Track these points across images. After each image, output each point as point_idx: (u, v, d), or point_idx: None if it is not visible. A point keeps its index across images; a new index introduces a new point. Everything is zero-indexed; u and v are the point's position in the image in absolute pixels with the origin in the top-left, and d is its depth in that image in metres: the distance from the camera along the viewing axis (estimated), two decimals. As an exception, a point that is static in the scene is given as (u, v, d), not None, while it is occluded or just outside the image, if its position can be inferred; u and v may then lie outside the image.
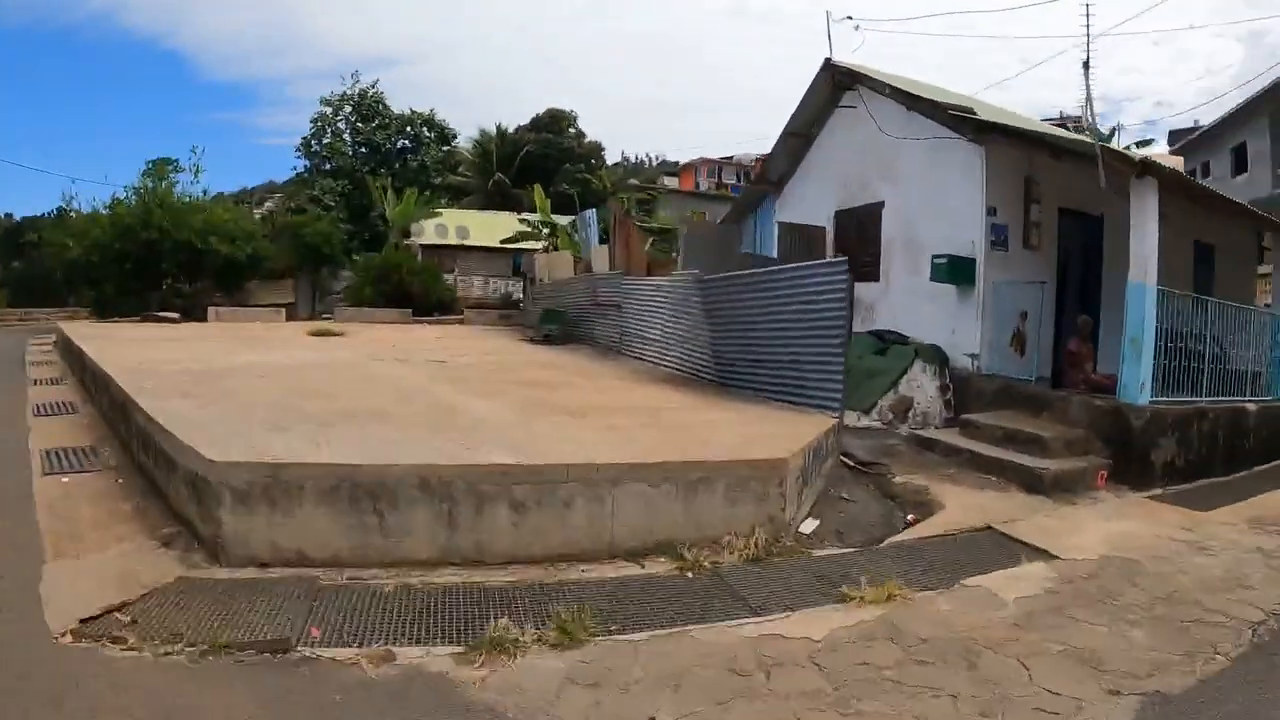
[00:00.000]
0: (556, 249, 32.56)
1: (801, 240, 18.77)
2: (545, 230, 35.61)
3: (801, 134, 21.13)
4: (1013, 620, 6.80)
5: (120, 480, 9.60)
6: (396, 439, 8.45)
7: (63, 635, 5.82)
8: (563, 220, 35.43)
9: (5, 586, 6.56)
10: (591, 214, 29.36)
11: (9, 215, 75.39)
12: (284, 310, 37.72)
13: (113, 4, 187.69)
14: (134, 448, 10.19)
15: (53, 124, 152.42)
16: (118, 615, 6.11)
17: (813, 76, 19.99)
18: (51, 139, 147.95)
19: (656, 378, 16.00)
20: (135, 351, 16.87)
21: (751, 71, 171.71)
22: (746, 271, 14.94)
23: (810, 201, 20.71)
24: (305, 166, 57.82)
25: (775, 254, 19.47)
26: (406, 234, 45.47)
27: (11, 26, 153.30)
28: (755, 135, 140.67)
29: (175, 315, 34.74)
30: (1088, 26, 24.61)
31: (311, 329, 25.41)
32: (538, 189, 36.85)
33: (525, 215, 39.42)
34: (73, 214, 44.09)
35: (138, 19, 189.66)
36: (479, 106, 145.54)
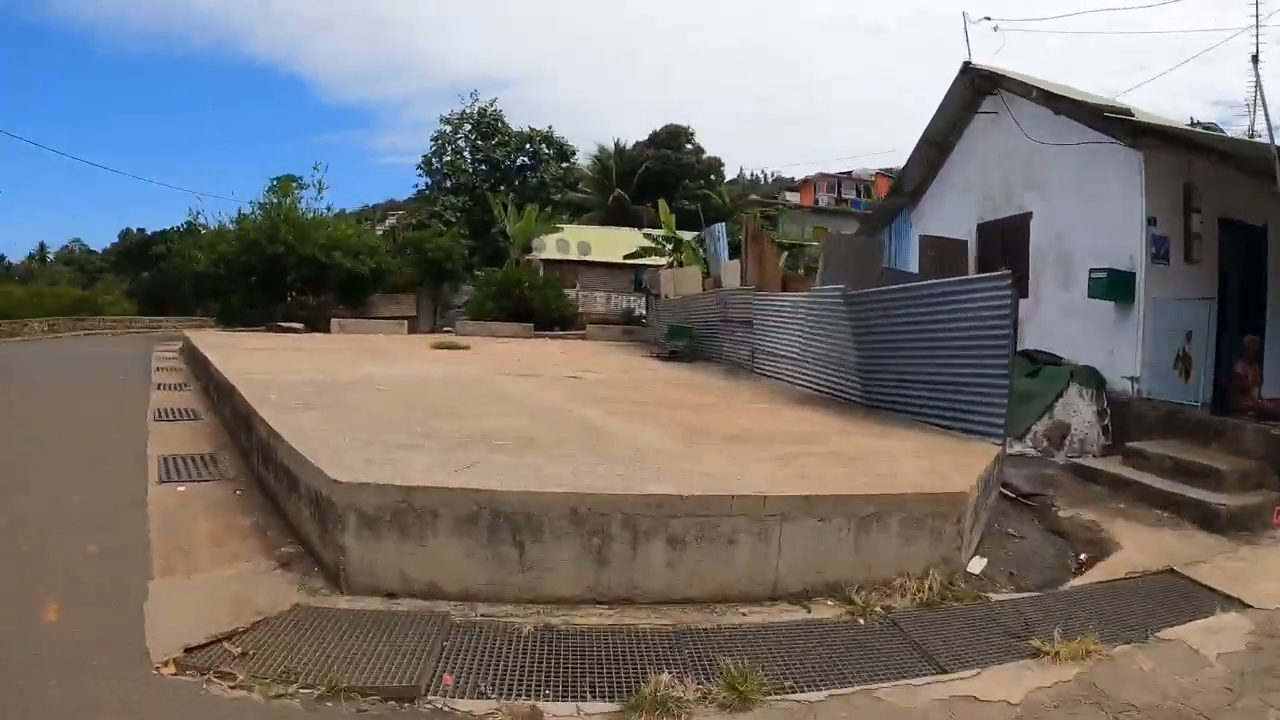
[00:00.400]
0: (681, 264, 31.79)
1: (942, 254, 17.57)
2: (669, 246, 34.87)
3: (938, 142, 19.77)
4: (1224, 683, 5.86)
5: (238, 492, 9.10)
6: (536, 462, 7.58)
7: (164, 665, 5.18)
8: (686, 235, 34.63)
9: (107, 604, 6.01)
10: (720, 228, 28.59)
11: (140, 229, 79.47)
12: (406, 323, 37.76)
13: (236, 32, 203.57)
14: (254, 460, 9.74)
15: (181, 144, 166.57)
16: (226, 645, 5.44)
17: (950, 81, 18.64)
18: (180, 158, 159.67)
19: (794, 398, 15.01)
20: (259, 361, 16.75)
21: (858, 84, 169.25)
22: (899, 286, 13.84)
23: (949, 213, 19.39)
24: (427, 183, 58.57)
25: (914, 269, 18.25)
26: (528, 249, 45.43)
27: (138, 54, 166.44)
28: (871, 149, 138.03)
29: (299, 326, 34.96)
30: (1256, 15, 22.54)
31: (435, 342, 25.10)
32: (662, 204, 36.26)
33: (649, 230, 38.76)
34: (201, 228, 44.73)
35: (260, 46, 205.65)
36: (593, 124, 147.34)
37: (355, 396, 11.58)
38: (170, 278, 58.12)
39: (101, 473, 10.07)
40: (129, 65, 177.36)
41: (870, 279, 15.61)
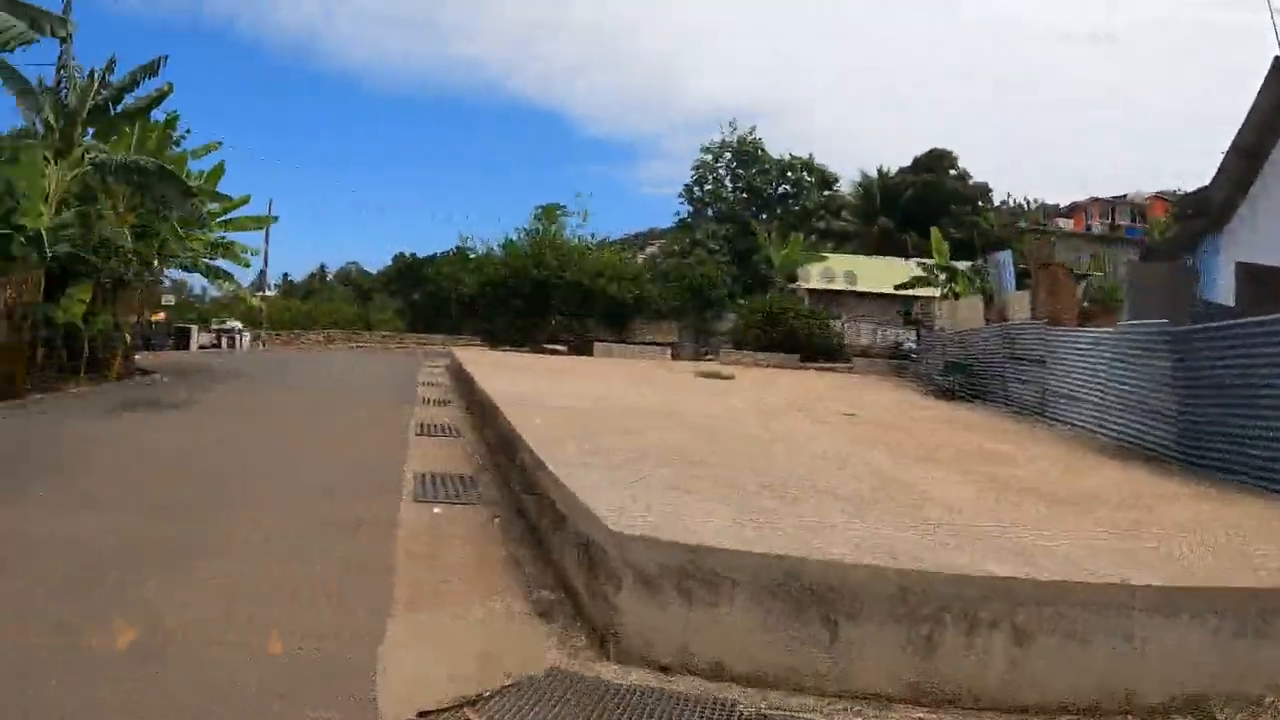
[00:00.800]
0: (956, 295, 29.68)
1: (1272, 284, 14.88)
2: (942, 275, 32.74)
3: (1249, 152, 17.00)
4: None
5: (496, 520, 8.29)
6: (838, 521, 6.23)
7: (396, 733, 4.23)
8: (961, 265, 32.48)
9: (339, 639, 5.20)
10: (1006, 256, 26.30)
11: (412, 254, 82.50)
12: (669, 349, 37.21)
13: (500, 72, 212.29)
14: (515, 485, 8.97)
15: (448, 175, 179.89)
16: (468, 714, 4.40)
17: (1262, 81, 15.95)
18: (448, 188, 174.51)
19: (1095, 448, 12.96)
20: (524, 382, 16.46)
21: (1112, 100, 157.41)
22: (1248, 320, 11.61)
23: (1273, 236, 16.58)
24: (688, 212, 58.07)
25: (1223, 300, 15.64)
26: (792, 278, 44.24)
27: (404, 95, 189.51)
28: (1140, 169, 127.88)
29: (563, 348, 35.18)
30: None
31: (700, 370, 24.20)
32: (935, 232, 34.11)
33: (921, 260, 36.72)
34: (469, 253, 46.08)
35: (521, 85, 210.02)
36: (851, 150, 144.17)
37: (625, 425, 10.66)
38: (438, 298, 59.46)
39: (356, 484, 9.70)
40: (397, 105, 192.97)
41: (1181, 313, 13.34)
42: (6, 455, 10.87)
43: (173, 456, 11.19)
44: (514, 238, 44.59)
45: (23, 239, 16.32)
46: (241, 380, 23.30)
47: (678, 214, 61.00)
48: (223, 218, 24.97)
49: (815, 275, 46.16)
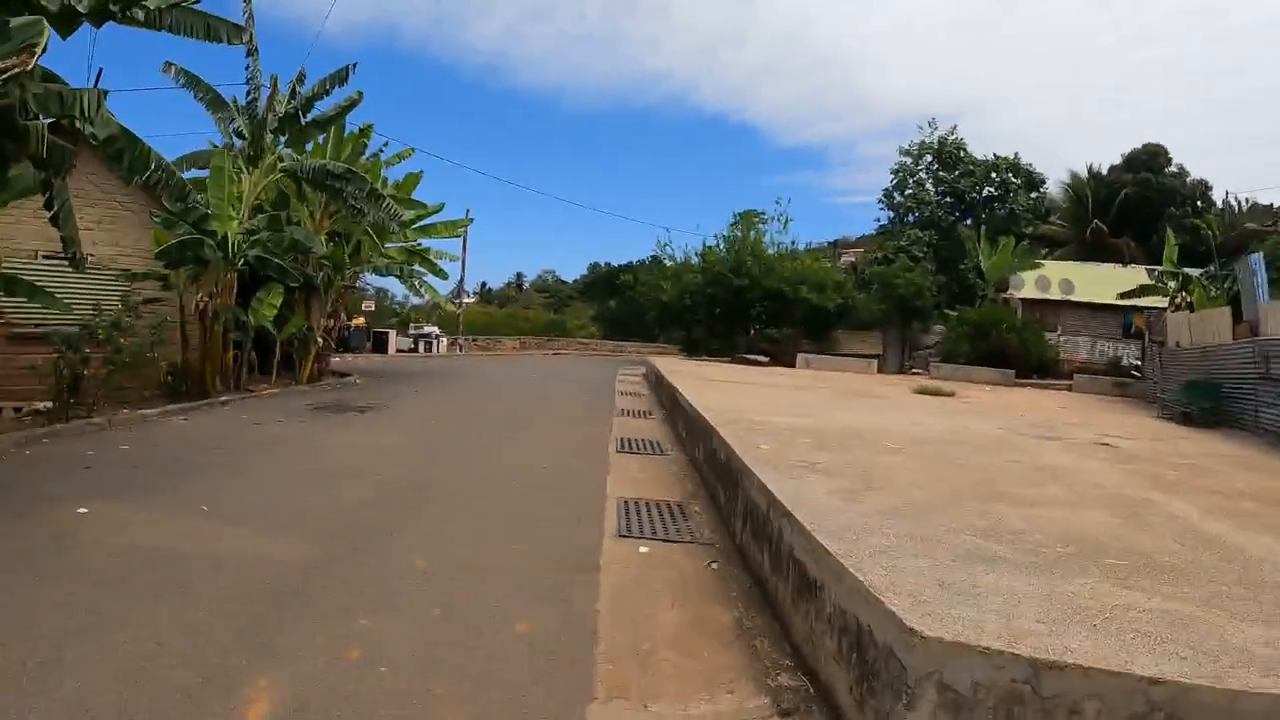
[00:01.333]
0: (1190, 306, 26.40)
1: None
2: (1172, 283, 29.35)
3: None
4: None
5: (713, 566, 6.82)
6: (1193, 613, 4.09)
7: None
8: (1194, 271, 29.10)
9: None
10: (1258, 260, 23.02)
11: (607, 263, 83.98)
12: (874, 362, 35.10)
13: (683, 86, 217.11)
14: (736, 522, 7.47)
15: (641, 187, 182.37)
16: None
17: None
18: (640, 199, 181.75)
19: None
20: (731, 396, 15.09)
21: None
22: None
23: None
24: (889, 218, 55.32)
25: None
26: (1003, 287, 41.19)
27: (599, 110, 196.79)
28: None
29: (764, 359, 33.64)
30: None
31: (917, 386, 22.20)
32: (1170, 235, 30.69)
33: (1148, 266, 33.37)
34: (667, 260, 45.03)
35: (707, 97, 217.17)
36: (1053, 148, 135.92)
37: (865, 457, 8.78)
38: (634, 306, 59.91)
39: (550, 511, 8.44)
40: (592, 119, 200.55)
41: None
42: (174, 459, 10.31)
43: (354, 465, 10.30)
44: (713, 244, 43.35)
45: (212, 244, 16.03)
46: (434, 385, 22.86)
47: (877, 220, 58.13)
48: (418, 224, 24.49)
49: (1030, 284, 43.00)
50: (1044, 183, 55.94)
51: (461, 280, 52.13)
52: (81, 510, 7.52)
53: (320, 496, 8.51)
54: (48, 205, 11.08)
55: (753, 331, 41.66)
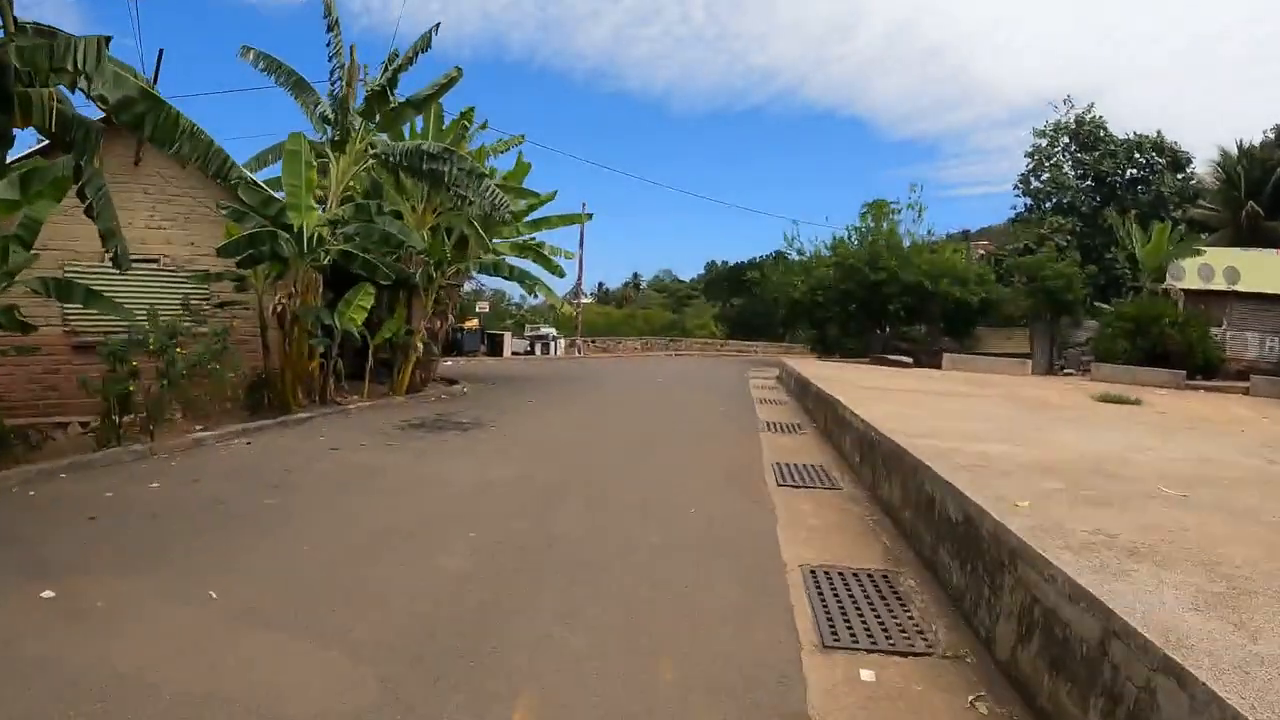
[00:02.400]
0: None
1: None
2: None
3: None
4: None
5: (978, 700, 4.07)
6: None
7: None
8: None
9: None
10: None
11: (724, 261, 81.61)
12: (1028, 362, 31.60)
13: (794, 83, 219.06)
14: (1001, 626, 4.63)
15: (756, 185, 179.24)
16: None
17: None
18: (755, 197, 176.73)
19: None
20: (904, 409, 12.30)
21: None
22: None
23: None
24: (1024, 205, 51.08)
25: None
26: (1159, 277, 37.01)
27: (705, 111, 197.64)
28: None
29: (907, 359, 30.27)
30: None
31: (1098, 394, 18.79)
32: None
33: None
34: (795, 254, 42.04)
35: (816, 93, 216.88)
36: (1191, 125, 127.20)
37: (1159, 516, 5.54)
38: (760, 304, 57.96)
39: (713, 595, 5.78)
40: (701, 120, 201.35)
41: None
42: (208, 503, 7.93)
43: (445, 514, 7.90)
44: (844, 236, 40.18)
45: (288, 237, 13.76)
46: (551, 394, 20.37)
47: (1013, 207, 53.93)
48: (530, 216, 22.09)
49: (1191, 273, 38.59)
50: (1190, 162, 50.80)
51: (579, 279, 49.78)
52: (47, 594, 5.30)
53: (389, 572, 6.06)
54: (80, 195, 9.11)
55: (888, 329, 38.53)
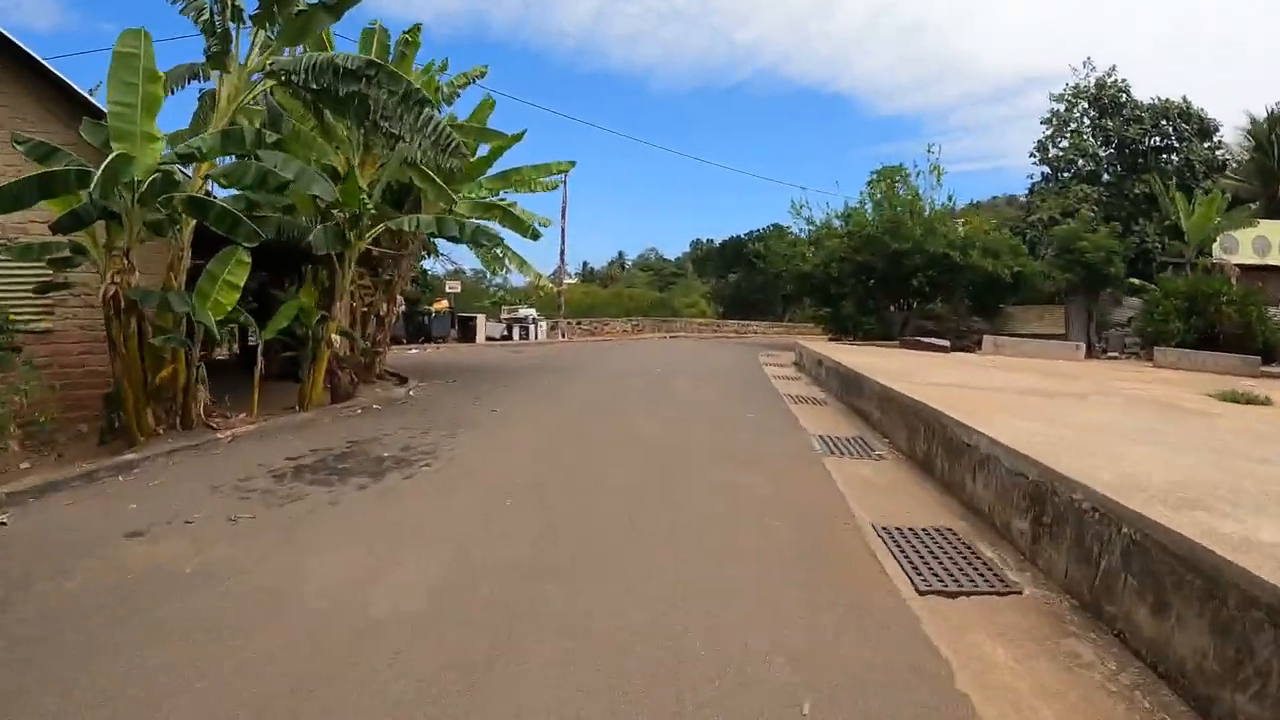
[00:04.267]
0: None
1: None
2: None
3: None
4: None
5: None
6: None
7: None
8: None
9: None
10: None
11: (709, 240, 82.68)
12: (1081, 346, 27.17)
13: (778, 60, 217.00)
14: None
15: (740, 162, 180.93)
16: None
17: None
18: (737, 176, 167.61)
19: None
20: (1044, 427, 8.15)
21: None
22: None
23: None
24: (1041, 174, 46.30)
25: None
26: (1204, 250, 32.44)
27: (688, 89, 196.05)
28: None
29: (942, 342, 25.53)
30: None
31: (1209, 389, 14.13)
32: None
33: None
34: (803, 225, 37.02)
35: (799, 69, 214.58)
36: (1205, 95, 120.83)
37: None
38: (757, 281, 54.07)
39: None
40: (684, 98, 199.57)
41: None
42: None
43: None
44: (859, 203, 35.18)
45: (119, 188, 8.89)
46: (524, 393, 15.55)
47: (1030, 177, 49.18)
48: (497, 166, 17.18)
49: (1246, 246, 34.00)
50: (1217, 130, 46.07)
51: (562, 252, 44.19)
52: None
53: None
54: None
55: (909, 306, 33.84)
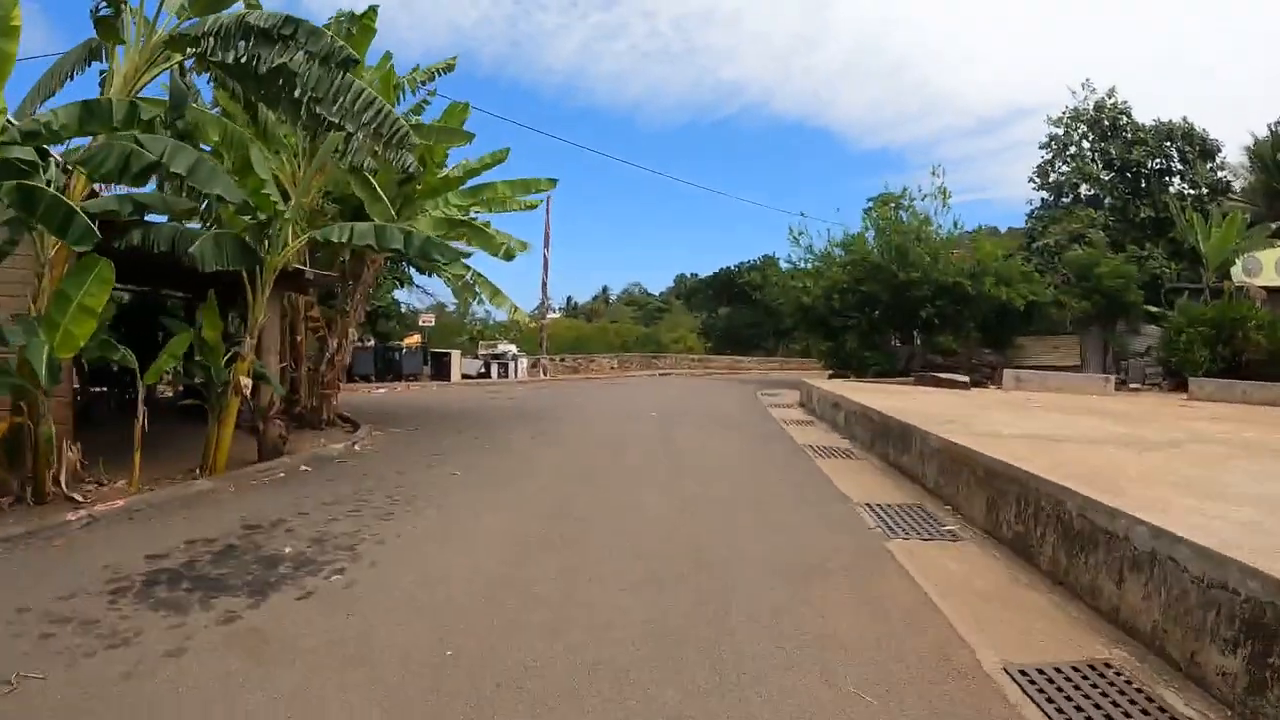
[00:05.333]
0: None
1: None
2: None
3: None
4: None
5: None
6: None
7: None
8: None
9: None
10: None
11: (693, 274, 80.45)
12: (1110, 379, 24.41)
13: (762, 96, 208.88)
14: None
15: (724, 198, 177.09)
16: None
17: None
18: (724, 211, 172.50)
19: None
20: (1136, 475, 6.82)
21: None
22: None
23: None
24: (1040, 200, 44.24)
25: None
26: (1224, 273, 30.39)
27: (674, 124, 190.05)
28: None
29: (962, 378, 22.99)
30: None
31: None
32: None
33: None
34: (804, 252, 34.39)
35: (785, 105, 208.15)
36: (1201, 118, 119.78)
37: None
38: (750, 314, 52.15)
39: None
40: (670, 134, 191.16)
41: None
42: None
43: None
44: (861, 229, 32.70)
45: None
46: (500, 451, 12.78)
47: (1030, 202, 46.99)
48: (471, 182, 14.63)
49: (1270, 267, 31.79)
50: (1219, 151, 44.12)
51: (544, 283, 40.58)
52: None
53: None
54: None
55: (916, 339, 31.40)
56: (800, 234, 34.71)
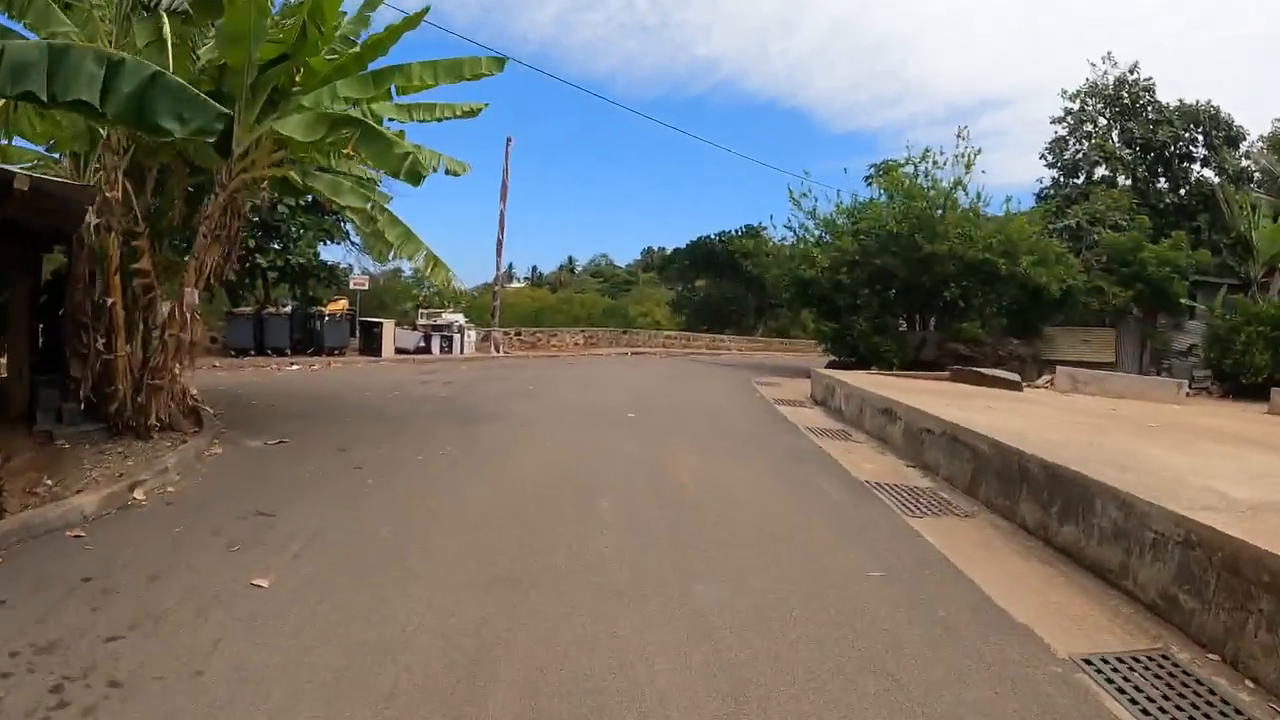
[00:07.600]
0: None
1: None
2: None
3: None
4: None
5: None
6: None
7: None
8: None
9: None
10: None
11: (660, 247, 79.93)
12: (1182, 385, 19.85)
13: (734, 73, 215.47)
14: None
15: (694, 172, 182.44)
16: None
17: None
18: (691, 189, 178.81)
19: None
20: None
21: None
22: None
23: None
24: (1051, 179, 39.99)
25: None
26: (1273, 267, 26.95)
27: (647, 99, 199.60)
28: None
29: (1012, 377, 18.05)
30: None
31: None
32: None
33: None
34: (804, 219, 29.45)
35: (758, 84, 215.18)
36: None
37: None
38: (730, 288, 49.12)
39: None
40: (643, 108, 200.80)
41: None
42: None
43: None
44: (875, 197, 27.79)
45: None
46: (393, 488, 7.89)
47: (1039, 180, 42.58)
48: (374, 66, 9.66)
49: (1324, 261, 28.04)
50: (1243, 138, 40.09)
51: (499, 242, 34.03)
52: None
53: None
54: None
55: (931, 324, 26.94)
56: (803, 195, 29.48)
